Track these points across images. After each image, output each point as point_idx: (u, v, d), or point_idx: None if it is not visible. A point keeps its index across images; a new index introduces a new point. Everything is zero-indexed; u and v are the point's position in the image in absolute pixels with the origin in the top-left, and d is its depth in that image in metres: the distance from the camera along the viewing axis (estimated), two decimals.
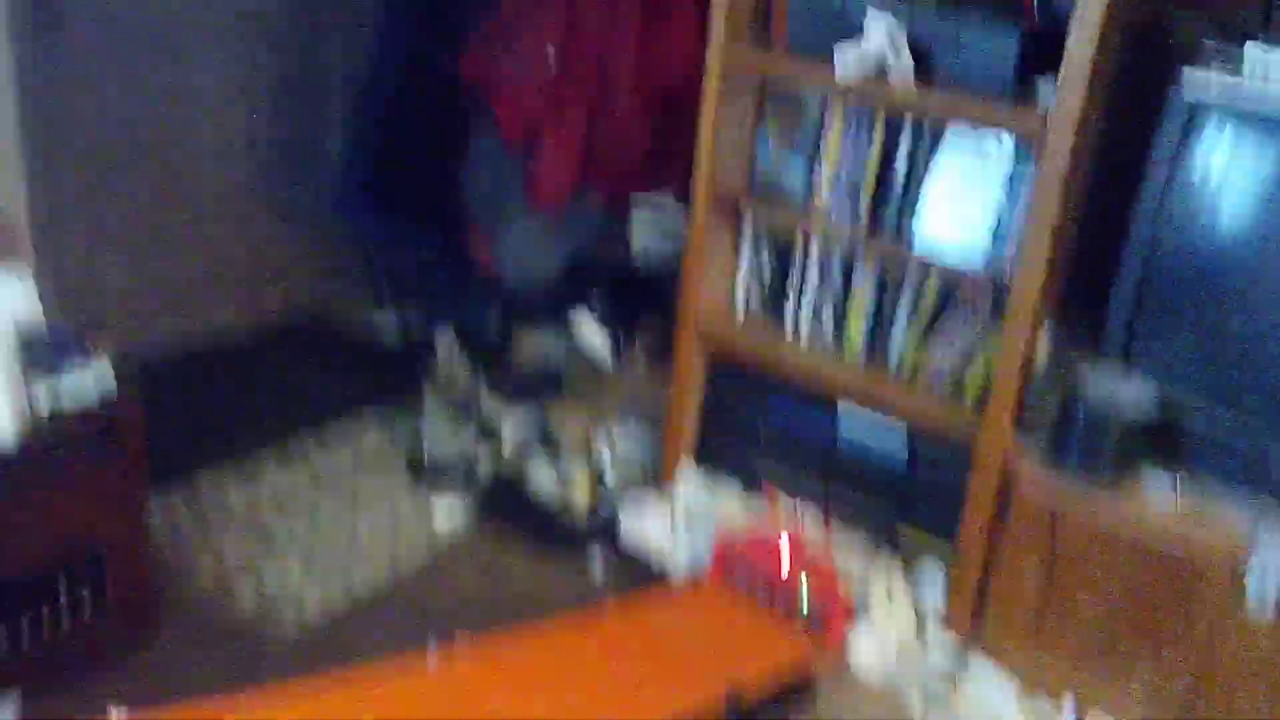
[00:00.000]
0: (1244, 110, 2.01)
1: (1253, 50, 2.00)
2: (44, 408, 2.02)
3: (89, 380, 2.10)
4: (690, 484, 2.78)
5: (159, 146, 3.29)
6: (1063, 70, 2.06)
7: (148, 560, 2.33)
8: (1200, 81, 2.03)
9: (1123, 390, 2.17)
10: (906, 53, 2.27)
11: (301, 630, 2.41)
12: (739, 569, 2.51)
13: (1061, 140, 2.07)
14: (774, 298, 2.70)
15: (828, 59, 2.35)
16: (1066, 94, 2.06)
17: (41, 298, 2.17)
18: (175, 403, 3.08)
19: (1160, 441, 2.19)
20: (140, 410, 2.18)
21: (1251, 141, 2.03)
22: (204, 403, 3.20)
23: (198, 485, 2.83)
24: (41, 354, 2.07)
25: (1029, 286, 2.19)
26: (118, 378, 2.13)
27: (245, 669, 2.21)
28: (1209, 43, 2.03)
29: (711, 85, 2.45)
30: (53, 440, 2.04)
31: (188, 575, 2.53)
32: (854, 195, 2.49)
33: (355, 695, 1.87)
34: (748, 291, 2.72)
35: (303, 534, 2.72)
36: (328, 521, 2.77)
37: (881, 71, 2.29)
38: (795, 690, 2.32)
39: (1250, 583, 2.04)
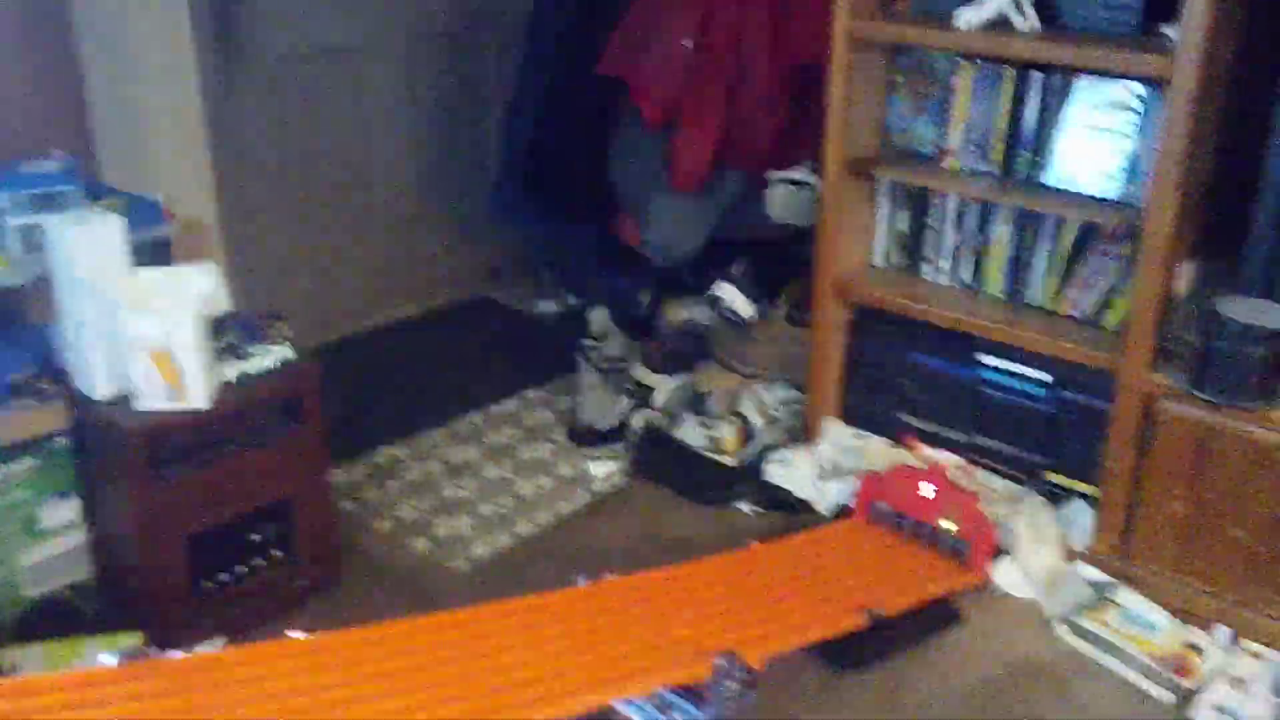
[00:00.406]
0: None
1: None
2: (234, 377, 2.27)
3: (273, 357, 2.35)
4: (834, 436, 2.90)
5: (333, 165, 3.60)
6: (1185, 12, 2.12)
7: (331, 513, 2.57)
8: None
9: (1264, 317, 2.21)
10: (1030, 7, 2.36)
11: (471, 568, 2.64)
12: (884, 507, 2.62)
13: (1186, 79, 2.13)
14: (912, 253, 2.81)
15: (949, 21, 2.46)
16: (1189, 34, 2.12)
17: (232, 294, 2.44)
18: (357, 387, 3.36)
19: None
20: (317, 381, 2.42)
21: None
22: (382, 386, 3.46)
23: (378, 460, 3.08)
24: (232, 335, 2.32)
25: (1162, 221, 2.25)
26: (297, 356, 2.39)
27: (420, 604, 2.41)
28: None
29: (838, 55, 2.57)
30: (243, 405, 2.29)
31: (368, 530, 2.77)
32: (985, 148, 2.58)
33: (507, 616, 2.04)
34: (886, 248, 2.83)
35: (471, 495, 2.93)
36: (494, 484, 2.98)
37: (1006, 26, 2.38)
38: (940, 614, 2.41)
39: None
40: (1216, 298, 2.28)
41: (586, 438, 3.14)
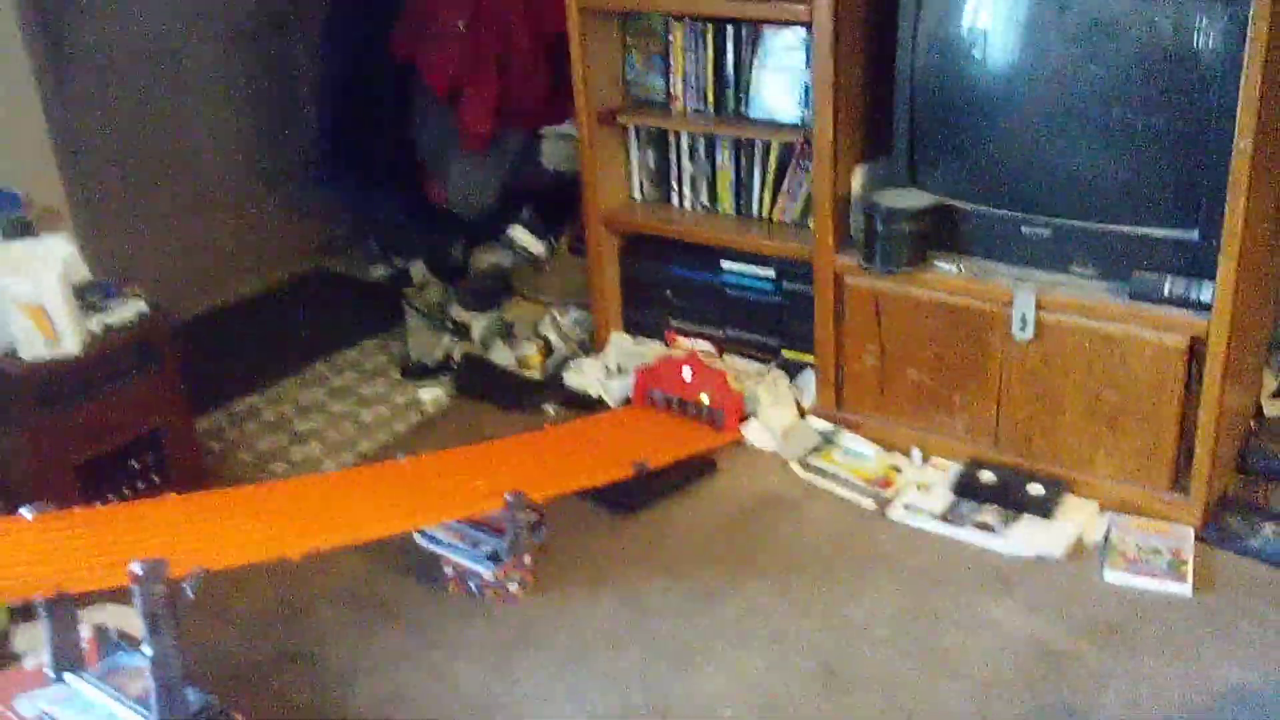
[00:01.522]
0: None
1: None
2: (98, 329, 2.76)
3: (130, 310, 2.84)
4: (617, 344, 3.50)
5: (166, 154, 4.06)
6: None
7: (196, 442, 3.08)
8: None
9: (908, 201, 2.87)
10: None
11: None
12: (654, 391, 3.23)
13: (824, 21, 2.77)
14: (661, 185, 3.42)
15: None
16: None
17: (85, 262, 2.91)
18: (211, 354, 3.83)
19: (943, 236, 2.89)
20: (169, 329, 2.93)
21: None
22: (234, 352, 3.93)
23: (235, 409, 3.57)
24: (91, 294, 2.81)
25: (825, 135, 2.89)
26: (149, 309, 2.88)
27: None
28: None
29: (573, 23, 3.16)
30: (108, 350, 2.78)
31: (233, 461, 3.28)
32: (701, 91, 3.21)
33: (344, 481, 2.61)
34: (641, 183, 3.44)
35: (319, 426, 3.45)
36: (338, 416, 3.50)
37: None
38: (699, 465, 3.04)
39: (1014, 318, 2.74)
40: (875, 190, 2.94)
41: (416, 371, 3.69)
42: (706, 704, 2.29)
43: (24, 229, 2.81)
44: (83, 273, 2.83)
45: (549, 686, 2.36)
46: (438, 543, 2.62)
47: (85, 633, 2.21)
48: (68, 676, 2.14)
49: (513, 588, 2.61)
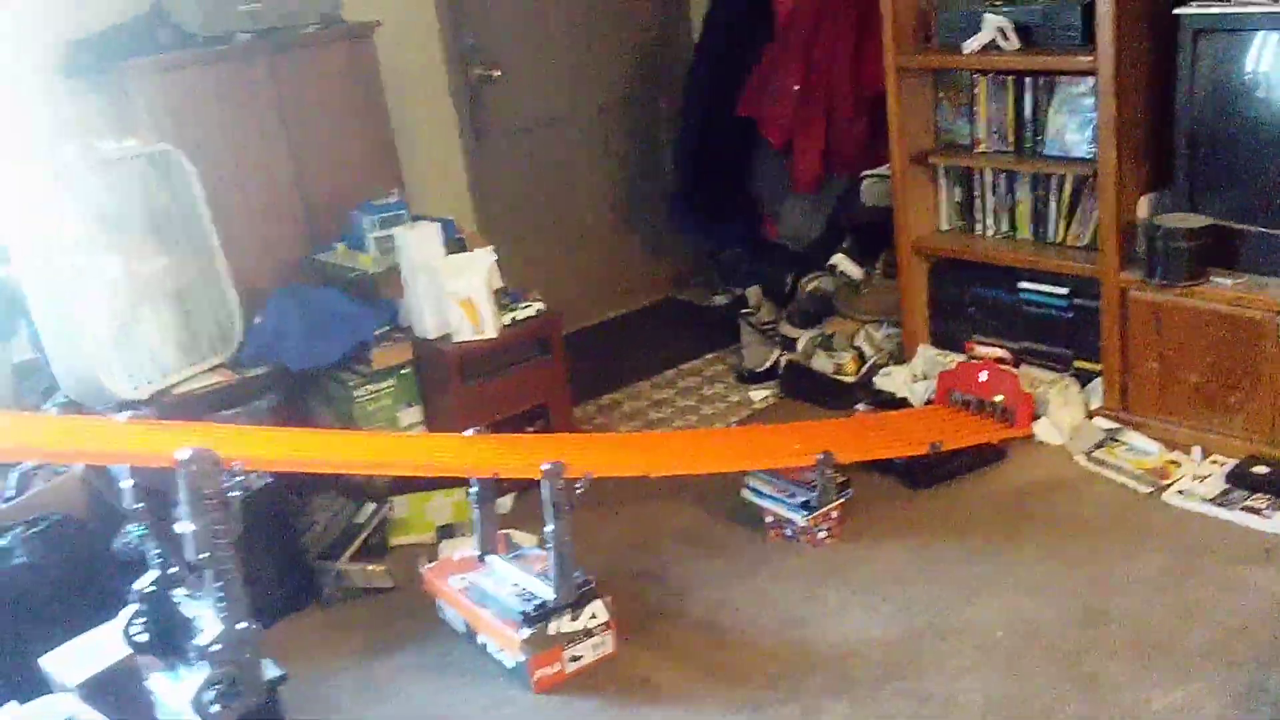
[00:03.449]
0: (1230, 23, 3.08)
1: None
2: (509, 321, 3.58)
3: (532, 309, 3.66)
4: (923, 354, 4.00)
5: (553, 194, 4.98)
6: (1098, 26, 3.21)
7: (571, 420, 3.85)
8: (1195, 10, 3.12)
9: (1186, 222, 3.23)
10: (1013, 34, 3.49)
11: None
12: (954, 392, 3.70)
13: (1107, 68, 3.22)
14: (966, 216, 3.91)
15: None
16: (1101, 39, 3.21)
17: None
18: (584, 363, 4.64)
19: (1219, 254, 3.22)
20: (560, 325, 3.73)
21: (1239, 44, 3.08)
22: (602, 361, 4.73)
23: (602, 402, 4.35)
24: (504, 297, 3.64)
25: (1107, 165, 3.31)
26: (546, 309, 3.69)
27: None
28: None
29: (890, 80, 3.75)
30: (516, 337, 3.60)
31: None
32: (1003, 134, 3.70)
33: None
34: (948, 214, 3.95)
35: (668, 416, 4.17)
36: (684, 409, 4.20)
37: (997, 49, 3.52)
38: (990, 453, 3.48)
39: None
40: (1158, 214, 3.31)
41: (748, 377, 4.34)
42: (981, 628, 2.75)
43: (459, 246, 3.69)
44: (498, 280, 3.67)
45: (848, 608, 2.89)
46: (760, 495, 3.22)
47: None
48: (488, 558, 2.91)
49: (821, 535, 3.16)
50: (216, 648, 2.31)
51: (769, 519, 3.24)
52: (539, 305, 3.66)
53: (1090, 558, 2.96)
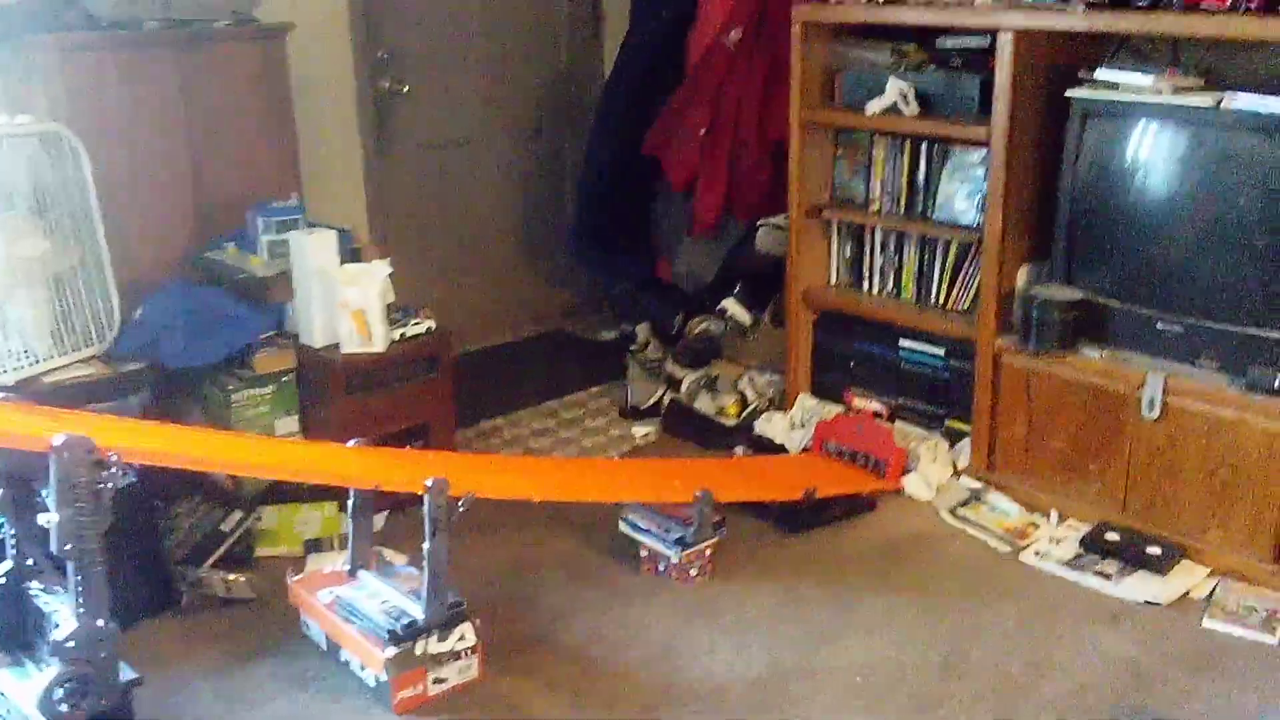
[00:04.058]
0: (1117, 109, 3.26)
1: (1110, 73, 3.26)
2: (398, 336, 3.55)
3: (422, 326, 3.63)
4: (803, 403, 4.09)
5: (452, 214, 4.97)
6: (994, 100, 3.37)
7: (453, 434, 3.82)
8: (1085, 94, 3.30)
9: (1063, 295, 3.39)
10: (914, 100, 3.63)
11: None
12: (829, 442, 3.79)
13: (999, 142, 3.37)
14: (855, 271, 4.03)
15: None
16: (997, 112, 3.36)
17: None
18: (469, 385, 4.61)
19: (1091, 327, 3.38)
20: (449, 344, 3.71)
21: (1123, 129, 3.26)
22: (487, 386, 4.71)
23: (484, 428, 4.34)
24: (394, 312, 3.61)
25: (993, 235, 3.46)
26: (437, 328, 3.67)
27: None
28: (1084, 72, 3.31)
29: (795, 134, 3.86)
30: (404, 353, 3.57)
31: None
32: (896, 196, 3.83)
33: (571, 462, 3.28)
34: (837, 268, 4.06)
35: (549, 447, 4.17)
36: (565, 441, 4.21)
37: (898, 112, 3.65)
38: (860, 503, 3.57)
39: (1144, 400, 3.20)
40: (1035, 286, 3.47)
41: (632, 413, 4.37)
42: (843, 670, 2.81)
43: (354, 257, 3.66)
44: (391, 295, 3.64)
45: (718, 644, 2.93)
46: (637, 528, 3.25)
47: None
48: (361, 573, 2.87)
49: (693, 572, 3.20)
50: (71, 644, 2.23)
51: (644, 553, 3.27)
52: (430, 324, 3.64)
53: (952, 608, 3.06)
